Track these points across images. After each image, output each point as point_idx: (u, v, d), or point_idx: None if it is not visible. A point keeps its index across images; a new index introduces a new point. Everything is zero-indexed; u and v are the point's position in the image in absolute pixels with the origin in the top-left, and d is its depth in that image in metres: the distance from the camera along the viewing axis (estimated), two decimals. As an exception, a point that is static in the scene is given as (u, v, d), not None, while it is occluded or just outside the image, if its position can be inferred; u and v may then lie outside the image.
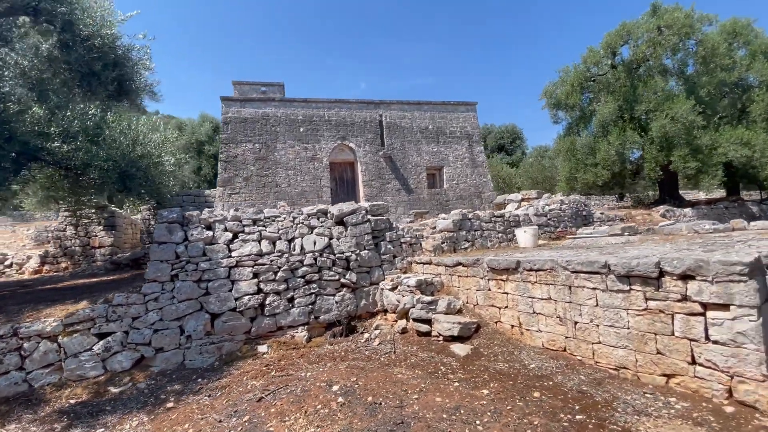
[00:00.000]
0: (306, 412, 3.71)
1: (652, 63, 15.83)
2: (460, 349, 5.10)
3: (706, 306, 3.64)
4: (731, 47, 16.91)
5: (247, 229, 6.03)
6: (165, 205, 10.01)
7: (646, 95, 15.38)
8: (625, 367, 4.22)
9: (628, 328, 4.17)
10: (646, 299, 4.03)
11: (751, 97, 15.80)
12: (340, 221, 6.71)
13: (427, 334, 5.59)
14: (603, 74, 17.37)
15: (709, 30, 16.46)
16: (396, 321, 6.07)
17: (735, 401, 3.42)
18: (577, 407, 3.55)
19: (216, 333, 5.40)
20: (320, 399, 3.95)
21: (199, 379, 4.78)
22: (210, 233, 5.77)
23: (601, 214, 11.29)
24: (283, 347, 5.56)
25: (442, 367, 4.70)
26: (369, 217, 6.97)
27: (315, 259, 6.22)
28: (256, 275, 5.77)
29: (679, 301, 3.80)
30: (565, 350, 4.79)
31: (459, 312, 5.87)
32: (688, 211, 14.57)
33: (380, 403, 3.81)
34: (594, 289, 4.47)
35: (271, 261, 5.90)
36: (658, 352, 3.95)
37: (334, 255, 6.41)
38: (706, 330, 3.64)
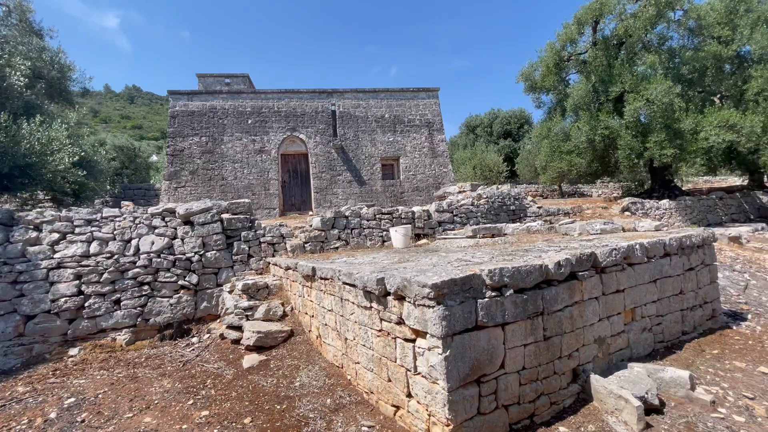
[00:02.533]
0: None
1: (634, 39, 14.25)
2: (250, 360, 4.80)
3: (416, 332, 3.13)
4: (732, 16, 14.91)
5: (77, 230, 5.96)
6: (83, 200, 10.25)
7: (624, 75, 13.91)
8: (372, 392, 3.77)
9: (373, 350, 3.71)
10: (381, 319, 3.54)
11: (750, 74, 13.88)
12: (187, 220, 6.51)
13: (238, 341, 5.33)
14: (580, 53, 15.93)
15: (703, -2, 14.60)
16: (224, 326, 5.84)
17: (417, 446, 2.94)
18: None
19: (27, 335, 5.41)
20: (37, 413, 3.82)
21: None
22: (35, 234, 5.75)
23: (539, 208, 10.39)
24: (99, 350, 5.49)
25: (209, 381, 4.43)
26: (225, 216, 6.72)
27: (150, 260, 6.08)
28: (78, 277, 5.70)
29: (398, 323, 3.30)
30: (342, 367, 4.38)
31: (281, 319, 5.55)
32: (665, 203, 13.18)
33: (83, 421, 3.62)
34: (353, 303, 4.01)
35: (98, 262, 5.82)
36: (389, 379, 3.48)
37: (174, 256, 6.24)
38: (414, 359, 3.14)
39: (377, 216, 7.70)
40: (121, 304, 5.86)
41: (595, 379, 3.47)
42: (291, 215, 13.77)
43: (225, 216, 6.72)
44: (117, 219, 6.23)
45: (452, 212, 8.59)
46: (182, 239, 6.38)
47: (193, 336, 5.93)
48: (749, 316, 5.46)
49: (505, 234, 6.50)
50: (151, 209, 6.48)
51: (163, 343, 5.78)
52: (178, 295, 6.15)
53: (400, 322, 3.25)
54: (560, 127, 16.04)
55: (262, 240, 6.87)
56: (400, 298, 3.23)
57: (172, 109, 14.03)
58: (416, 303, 3.01)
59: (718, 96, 15.85)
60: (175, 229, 6.43)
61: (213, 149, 14.03)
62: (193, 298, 6.25)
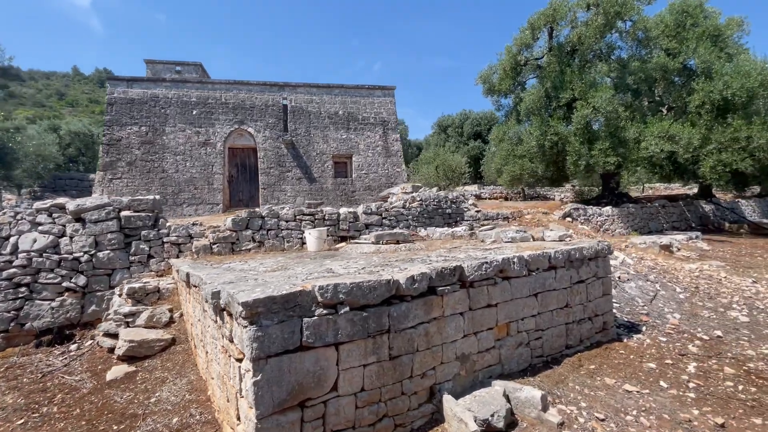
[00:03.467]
0: None
1: (585, 47, 14.43)
2: (115, 372, 4.45)
3: (241, 352, 2.88)
4: (679, 29, 15.35)
5: (-56, 225, 5.41)
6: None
7: (574, 82, 14.06)
8: (220, 411, 3.52)
9: (220, 365, 3.45)
10: (221, 335, 3.28)
11: (693, 87, 14.31)
12: (79, 217, 6.04)
13: (113, 350, 4.96)
14: (537, 58, 16.06)
15: (660, 10, 14.94)
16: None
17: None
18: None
19: None
20: None
21: None
22: None
23: (477, 212, 10.35)
24: (-42, 358, 5.00)
25: (59, 397, 4.07)
26: (124, 213, 6.28)
27: (30, 259, 5.60)
28: (-60, 277, 5.17)
29: (230, 341, 3.05)
30: (206, 382, 4.10)
31: (167, 326, 5.20)
32: (607, 210, 13.45)
33: None
34: (208, 315, 3.73)
35: (-36, 261, 5.29)
36: (228, 399, 3.23)
37: (60, 255, 5.77)
38: (240, 380, 2.89)
39: (297, 217, 7.42)
40: (-8, 307, 5.37)
41: (447, 400, 3.33)
42: (235, 211, 13.29)
43: (124, 213, 6.28)
44: (-5, 214, 5.71)
45: (381, 215, 8.40)
46: (71, 237, 5.92)
47: (73, 343, 5.51)
48: (644, 328, 5.51)
49: (414, 240, 6.34)
50: (37, 204, 5.98)
51: (37, 350, 5.34)
52: (61, 298, 5.69)
53: (232, 339, 3.00)
54: (515, 131, 16.17)
55: (165, 240, 6.47)
56: (230, 315, 2.98)
57: (110, 96, 13.26)
58: (237, 321, 2.77)
59: (666, 107, 16.31)
60: (64, 226, 5.96)
61: (153, 140, 13.36)
62: (80, 301, 5.81)
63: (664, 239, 11.05)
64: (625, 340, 5.11)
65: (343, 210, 8.09)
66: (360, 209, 8.27)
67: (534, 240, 6.12)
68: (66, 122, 30.64)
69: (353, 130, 15.06)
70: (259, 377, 2.61)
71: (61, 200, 6.14)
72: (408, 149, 42.48)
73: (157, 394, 4.03)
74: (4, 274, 5.48)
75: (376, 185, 14.92)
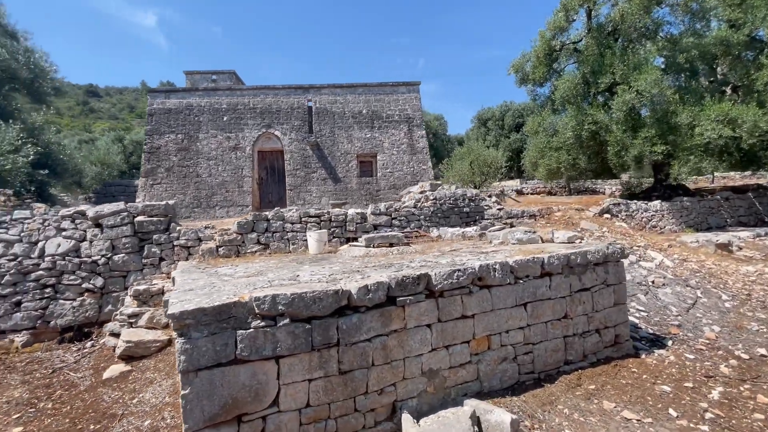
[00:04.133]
0: None
1: (627, 25, 13.11)
2: (111, 371, 4.70)
3: (184, 361, 2.85)
4: (746, -4, 13.40)
5: (-15, 232, 6.05)
6: (47, 198, 10.57)
7: (615, 65, 12.84)
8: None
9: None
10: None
11: (762, 62, 12.43)
12: (97, 223, 6.49)
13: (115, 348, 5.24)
14: (576, 41, 14.89)
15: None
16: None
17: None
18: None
19: (-75, 334, 5.56)
20: None
21: None
22: (-58, 236, 5.89)
23: (499, 210, 9.75)
24: (-6, 351, 5.57)
25: (59, 393, 4.36)
26: (138, 218, 6.66)
27: (55, 262, 6.10)
28: (-21, 279, 5.79)
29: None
30: (184, 385, 4.18)
31: (166, 327, 5.41)
32: (655, 204, 12.14)
33: None
34: (177, 321, 3.77)
35: (0, 264, 5.89)
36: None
37: (80, 258, 6.24)
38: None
39: (302, 219, 7.44)
40: (22, 306, 5.91)
41: (405, 420, 3.09)
42: (264, 212, 13.73)
43: (138, 219, 6.65)
44: (26, 221, 6.29)
45: (390, 215, 8.18)
46: (90, 242, 6.37)
47: (90, 340, 5.92)
48: (670, 342, 4.81)
49: (410, 243, 6.03)
50: (62, 211, 6.51)
51: (60, 347, 5.80)
52: (81, 298, 6.15)
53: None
54: (550, 121, 15.12)
55: (175, 243, 6.76)
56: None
57: (150, 107, 14.26)
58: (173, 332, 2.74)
59: (731, 86, 14.37)
60: (85, 231, 6.42)
61: (188, 146, 14.17)
62: (98, 301, 6.23)
63: (723, 237, 9.72)
64: (643, 356, 4.49)
65: (351, 211, 7.99)
66: (369, 210, 8.11)
67: (543, 242, 5.59)
68: (132, 132, 33.58)
69: (377, 129, 14.92)
70: (187, 390, 2.56)
71: (82, 207, 6.64)
72: (447, 144, 41.60)
73: (141, 395, 4.17)
74: (33, 275, 6.03)
75: (401, 183, 14.67)
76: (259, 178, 14.87)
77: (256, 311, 2.77)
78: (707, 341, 4.91)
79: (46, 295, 6.03)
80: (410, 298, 3.29)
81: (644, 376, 4.02)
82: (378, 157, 14.88)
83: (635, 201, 12.15)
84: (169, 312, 2.56)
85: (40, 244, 6.20)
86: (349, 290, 3.05)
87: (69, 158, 11.23)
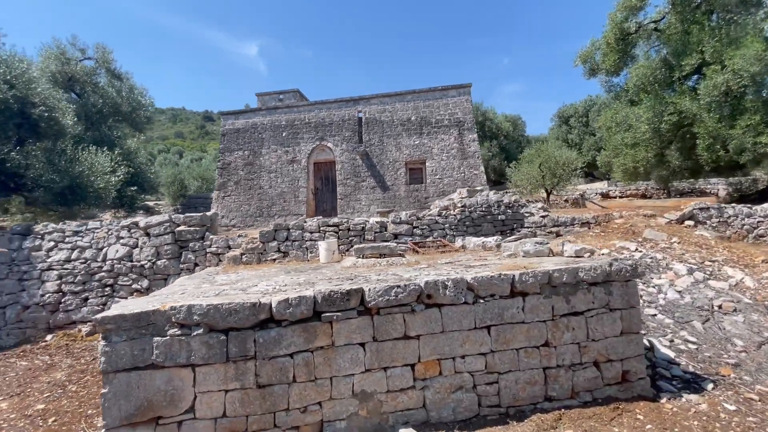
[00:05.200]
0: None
1: (721, -7, 10.97)
2: (131, 363, 5.35)
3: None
4: None
5: (67, 239, 7.45)
6: (136, 210, 12.56)
7: (705, 42, 10.83)
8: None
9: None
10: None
11: None
12: (146, 232, 7.51)
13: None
14: (654, 21, 12.92)
15: None
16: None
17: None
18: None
19: (24, 321, 7.01)
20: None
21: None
22: (39, 242, 7.40)
23: (543, 217, 8.78)
24: (66, 338, 6.79)
25: (91, 378, 5.11)
26: (179, 228, 7.55)
27: (113, 266, 7.23)
28: (60, 277, 7.14)
29: (129, 351, 3.34)
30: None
31: (184, 326, 6.00)
32: (761, 209, 9.77)
33: (-31, 398, 4.59)
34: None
35: (74, 267, 7.18)
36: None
37: (132, 262, 7.28)
38: (124, 389, 3.15)
39: (321, 228, 7.64)
40: (88, 301, 7.10)
41: (323, 442, 2.95)
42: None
43: (179, 228, 7.53)
44: (96, 230, 7.56)
45: (411, 224, 7.94)
46: (141, 248, 7.39)
47: (135, 333, 6.83)
48: (710, 386, 3.80)
49: (405, 254, 5.69)
50: (123, 222, 7.67)
51: (112, 337, 6.81)
52: (132, 297, 7.14)
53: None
54: (624, 114, 13.27)
55: (208, 250, 7.48)
56: (124, 327, 3.27)
57: (223, 128, 16.09)
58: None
59: None
60: (137, 239, 7.48)
61: (253, 161, 15.61)
62: (144, 300, 7.17)
63: None
64: (663, 400, 3.62)
65: (373, 219, 7.97)
66: (389, 218, 7.99)
67: (553, 254, 4.88)
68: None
69: (426, 135, 14.67)
70: (107, 390, 2.80)
71: (137, 219, 7.74)
72: (522, 146, 39.04)
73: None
74: (97, 276, 7.21)
75: (451, 190, 14.15)
76: (315, 188, 15.69)
77: (173, 320, 2.93)
78: (766, 390, 3.77)
79: (105, 293, 7.15)
80: (337, 314, 3.15)
81: (648, 427, 3.23)
82: (427, 164, 14.61)
83: (734, 205, 9.91)
84: (94, 317, 2.84)
85: (104, 250, 7.39)
86: (268, 303, 3.04)
87: (155, 176, 13.27)
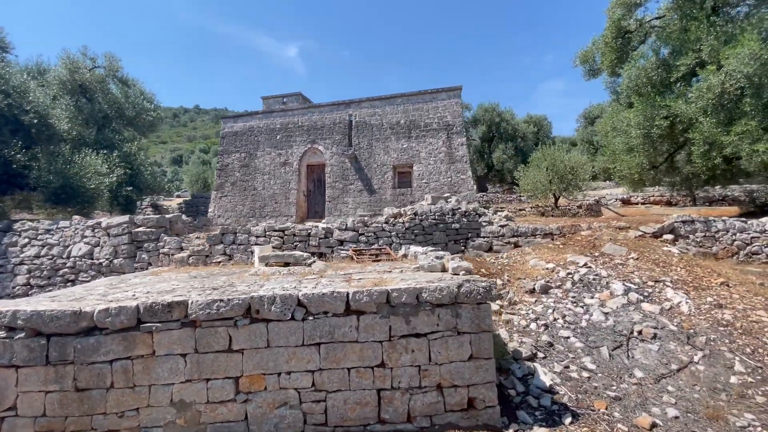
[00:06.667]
0: None
1: (726, -14, 10.10)
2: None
3: None
4: None
5: (39, 236, 8.11)
6: (134, 209, 13.37)
7: (704, 40, 10.03)
8: None
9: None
10: None
11: None
12: (108, 232, 8.02)
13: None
14: (656, 18, 12.08)
15: None
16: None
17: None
18: None
19: (-3, 310, 7.72)
20: None
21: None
22: (16, 238, 8.12)
23: (502, 227, 8.46)
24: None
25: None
26: (136, 229, 8.01)
27: (75, 263, 7.80)
28: (29, 272, 7.80)
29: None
30: None
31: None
32: (758, 224, 8.88)
33: None
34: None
35: (42, 263, 7.82)
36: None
37: (92, 260, 7.82)
38: None
39: (267, 233, 7.82)
40: (52, 295, 7.69)
41: (128, 448, 3.07)
42: (309, 221, 14.71)
43: (136, 229, 7.98)
44: (65, 229, 8.17)
45: (357, 231, 7.94)
46: (101, 247, 7.91)
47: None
48: (568, 420, 3.55)
49: (312, 264, 5.69)
50: (88, 222, 8.24)
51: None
52: (89, 292, 7.66)
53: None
54: (620, 118, 12.48)
55: (161, 251, 7.88)
56: (-17, 326, 3.56)
57: (222, 131, 16.77)
58: (-41, 333, 3.32)
59: None
60: (99, 238, 8.01)
61: (248, 163, 16.16)
62: (100, 296, 7.68)
63: None
64: (511, 431, 3.44)
65: (320, 225, 8.05)
66: (335, 225, 8.04)
67: (445, 270, 4.73)
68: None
69: (414, 138, 14.52)
70: None
71: (101, 219, 8.29)
72: (550, 147, 37.37)
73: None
74: (60, 272, 7.80)
75: (437, 195, 13.93)
76: (308, 191, 15.99)
77: (1, 323, 3.16)
78: (639, 427, 3.46)
79: (67, 288, 7.70)
80: (158, 324, 3.26)
81: (466, 459, 3.09)
82: (414, 168, 14.46)
83: (724, 218, 9.05)
84: (-70, 317, 3.13)
85: (69, 248, 7.98)
86: (87, 311, 3.21)
87: (151, 177, 14.10)
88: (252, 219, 15.53)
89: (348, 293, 3.46)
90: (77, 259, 7.93)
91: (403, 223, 8.14)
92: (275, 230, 7.88)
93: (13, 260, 8.01)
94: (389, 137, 14.82)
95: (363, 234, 7.99)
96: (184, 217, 8.94)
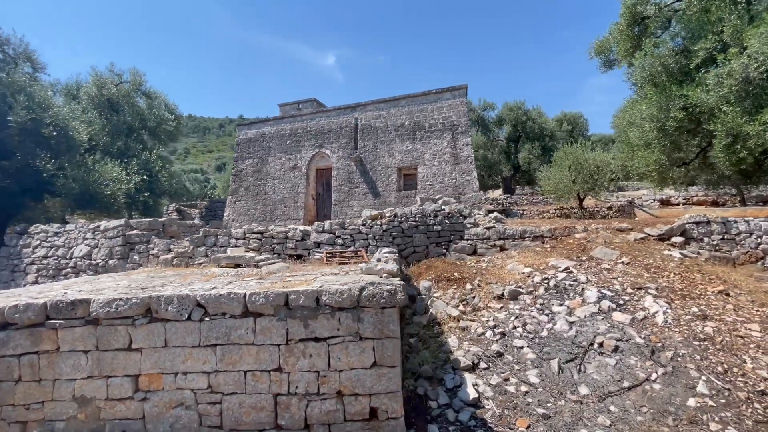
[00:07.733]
0: None
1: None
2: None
3: None
4: None
5: (48, 239, 8.82)
6: (152, 213, 14.22)
7: (726, 20, 9.10)
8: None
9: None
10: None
11: None
12: (105, 235, 8.56)
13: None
14: (672, 2, 11.12)
15: None
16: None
17: None
18: None
19: (10, 305, 8.46)
20: None
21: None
22: (29, 240, 8.88)
23: (488, 229, 8.05)
24: (35, 322, 8.05)
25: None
26: (130, 232, 8.49)
27: (76, 263, 8.38)
28: (38, 271, 8.48)
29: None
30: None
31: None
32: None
33: None
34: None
35: (48, 263, 8.48)
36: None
37: (90, 260, 8.37)
38: None
39: (246, 235, 7.97)
40: (55, 292, 8.31)
41: (26, 439, 3.20)
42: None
43: (130, 232, 8.45)
44: (70, 232, 8.82)
45: (334, 233, 7.89)
46: (99, 249, 8.45)
47: (82, 323, 7.84)
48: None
49: (262, 266, 5.66)
50: (90, 225, 8.83)
51: (67, 325, 7.90)
52: (87, 291, 8.20)
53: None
54: (635, 111, 11.54)
55: (151, 253, 8.27)
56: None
57: (238, 138, 17.44)
58: None
59: None
60: (98, 240, 8.56)
61: (260, 168, 16.67)
62: (96, 295, 8.19)
63: None
64: (411, 446, 3.22)
65: (301, 227, 8.10)
66: (312, 227, 8.04)
67: (384, 272, 4.54)
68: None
69: (419, 140, 14.28)
70: None
71: (101, 222, 8.85)
72: (571, 146, 35.46)
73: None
74: (63, 272, 8.41)
75: (442, 196, 13.58)
76: (317, 194, 16.21)
77: (-74, 317, 3.42)
78: (556, 452, 3.10)
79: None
80: (61, 321, 3.39)
81: (347, 473, 2.91)
82: (418, 170, 14.21)
83: (748, 219, 8.02)
84: None
85: (72, 249, 8.59)
86: (1, 307, 3.39)
87: (168, 183, 14.94)
88: (263, 223, 15.96)
89: (245, 294, 3.41)
90: (78, 259, 8.54)
91: (381, 225, 7.98)
92: (254, 232, 8.02)
93: (26, 260, 8.77)
94: (394, 139, 14.68)
95: (339, 236, 7.92)
96: (179, 220, 9.31)
